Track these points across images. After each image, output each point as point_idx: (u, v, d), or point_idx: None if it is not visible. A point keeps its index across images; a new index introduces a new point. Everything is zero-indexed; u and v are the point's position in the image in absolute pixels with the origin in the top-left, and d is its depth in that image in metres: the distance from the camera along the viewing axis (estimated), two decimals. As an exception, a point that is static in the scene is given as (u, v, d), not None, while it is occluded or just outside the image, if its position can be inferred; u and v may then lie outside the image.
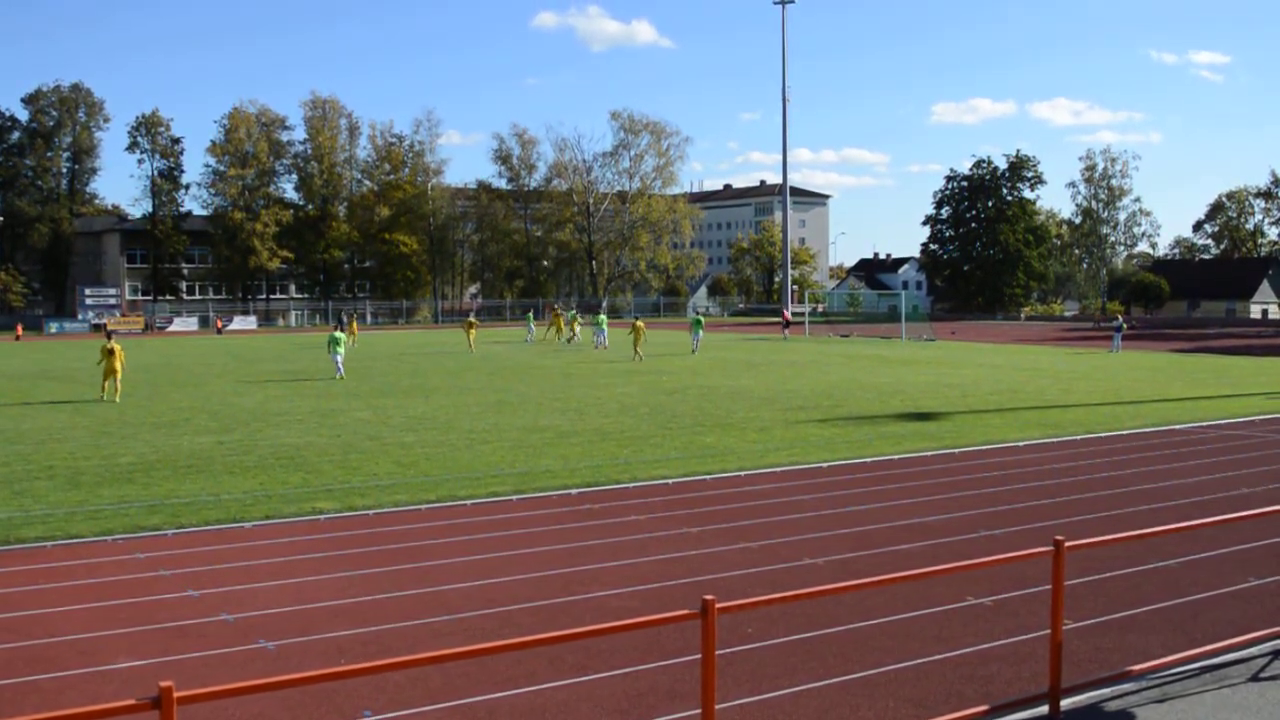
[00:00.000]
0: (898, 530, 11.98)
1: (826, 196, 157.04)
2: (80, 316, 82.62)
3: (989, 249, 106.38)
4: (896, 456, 17.17)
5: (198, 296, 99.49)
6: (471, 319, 54.55)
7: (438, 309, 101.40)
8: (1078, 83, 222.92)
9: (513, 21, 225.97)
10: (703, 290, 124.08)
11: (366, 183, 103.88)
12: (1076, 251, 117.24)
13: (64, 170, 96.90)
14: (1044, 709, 6.73)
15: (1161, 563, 10.41)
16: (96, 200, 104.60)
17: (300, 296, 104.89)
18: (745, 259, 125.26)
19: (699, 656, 5.56)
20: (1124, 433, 20.10)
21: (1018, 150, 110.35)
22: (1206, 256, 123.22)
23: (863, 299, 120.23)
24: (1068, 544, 6.71)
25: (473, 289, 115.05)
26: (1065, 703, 6.79)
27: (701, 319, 49.68)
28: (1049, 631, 6.88)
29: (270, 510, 13.04)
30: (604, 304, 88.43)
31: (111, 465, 16.39)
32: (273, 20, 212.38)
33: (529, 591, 9.58)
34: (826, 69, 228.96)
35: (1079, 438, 19.38)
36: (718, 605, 5.46)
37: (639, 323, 42.55)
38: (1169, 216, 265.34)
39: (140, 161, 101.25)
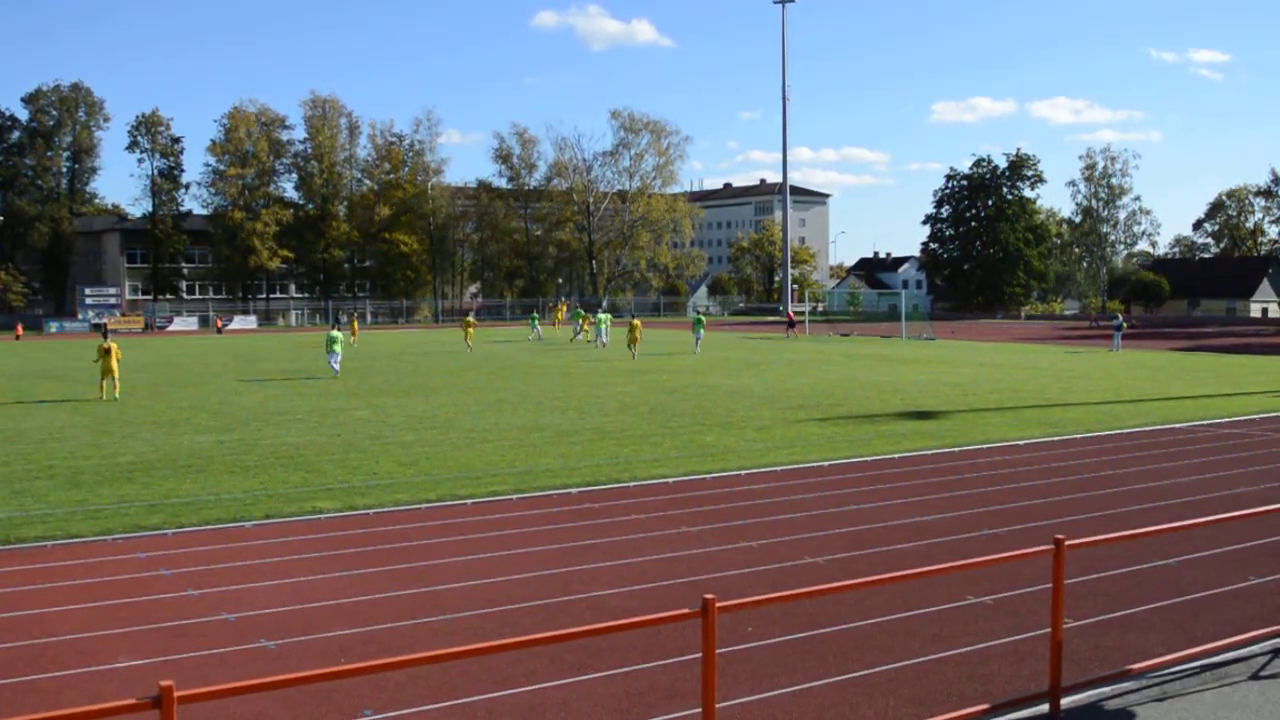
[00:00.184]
0: (897, 529, 11.98)
1: (826, 195, 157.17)
2: (80, 316, 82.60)
3: (989, 248, 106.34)
4: (896, 455, 17.16)
5: (198, 296, 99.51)
6: (469, 318, 54.38)
7: (438, 308, 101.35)
8: (1077, 81, 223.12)
9: (512, 21, 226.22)
10: (703, 289, 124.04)
11: (366, 182, 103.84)
12: (1076, 250, 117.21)
13: (64, 170, 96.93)
14: (1044, 708, 6.73)
15: (1161, 561, 10.41)
16: (96, 200, 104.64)
17: (300, 296, 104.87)
18: (745, 258, 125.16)
19: (699, 656, 5.56)
20: (1124, 431, 20.10)
21: (1018, 149, 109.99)
22: (1206, 255, 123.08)
23: (863, 298, 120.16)
24: (1068, 543, 6.71)
25: (473, 288, 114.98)
26: (1065, 701, 6.78)
27: (703, 318, 49.70)
28: (1049, 630, 6.87)
29: (270, 510, 13.04)
30: (604, 303, 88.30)
31: (111, 465, 16.39)
32: (272, 19, 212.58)
33: (529, 591, 9.57)
34: (826, 68, 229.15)
35: (1079, 436, 19.38)
36: (718, 604, 5.45)
37: (636, 321, 42.78)
38: (1169, 215, 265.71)
39: (140, 161, 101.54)
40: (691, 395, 26.77)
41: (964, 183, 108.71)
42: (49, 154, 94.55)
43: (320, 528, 12.17)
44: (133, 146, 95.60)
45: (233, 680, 6.51)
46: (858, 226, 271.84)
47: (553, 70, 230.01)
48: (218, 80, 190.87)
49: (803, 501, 13.60)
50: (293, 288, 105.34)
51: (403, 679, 7.32)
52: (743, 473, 15.60)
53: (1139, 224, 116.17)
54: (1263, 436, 19.51)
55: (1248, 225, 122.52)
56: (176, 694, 4.19)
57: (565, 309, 58.84)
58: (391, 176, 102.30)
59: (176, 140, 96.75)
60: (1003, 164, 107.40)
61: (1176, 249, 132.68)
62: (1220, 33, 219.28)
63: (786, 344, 53.33)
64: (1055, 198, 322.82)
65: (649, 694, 7.16)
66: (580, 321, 56.26)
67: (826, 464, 16.35)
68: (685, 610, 5.64)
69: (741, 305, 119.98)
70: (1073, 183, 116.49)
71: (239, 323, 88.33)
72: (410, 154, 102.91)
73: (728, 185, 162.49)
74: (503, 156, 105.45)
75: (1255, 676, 7.35)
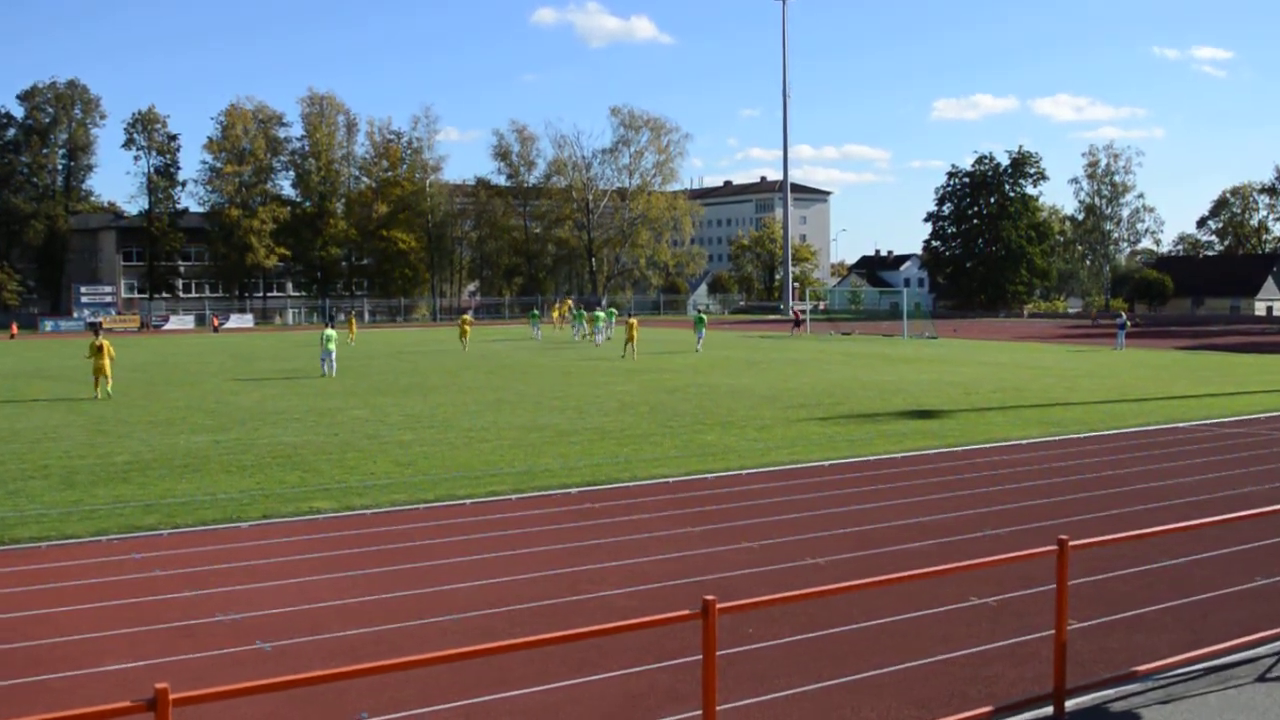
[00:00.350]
0: (900, 529, 11.91)
1: (827, 193, 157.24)
2: (76, 314, 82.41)
3: (991, 246, 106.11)
4: (898, 455, 17.09)
5: (194, 294, 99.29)
6: (466, 316, 53.70)
7: (436, 307, 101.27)
8: (1080, 78, 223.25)
9: (511, 18, 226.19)
10: (703, 288, 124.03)
11: (364, 180, 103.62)
12: (1079, 248, 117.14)
13: (60, 167, 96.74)
14: (1048, 709, 6.66)
15: (1167, 562, 10.34)
16: (92, 197, 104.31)
17: (298, 294, 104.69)
18: (746, 256, 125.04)
19: (700, 657, 5.49)
20: (1128, 431, 20.03)
21: (1020, 146, 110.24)
22: (1210, 253, 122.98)
23: (864, 296, 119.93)
24: (1072, 543, 6.65)
25: (471, 286, 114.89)
26: (1070, 703, 6.72)
27: (704, 317, 49.51)
28: (1053, 631, 6.80)
29: (267, 510, 12.96)
30: (603, 301, 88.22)
31: (107, 464, 16.31)
32: (270, 17, 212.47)
33: (528, 591, 9.50)
34: (827, 65, 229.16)
35: (1082, 436, 19.31)
36: (718, 605, 5.39)
37: (633, 320, 42.82)
38: (1172, 213, 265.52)
39: (136, 158, 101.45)
40: (692, 394, 26.71)
41: (966, 180, 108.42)
42: (45, 151, 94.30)
43: (317, 528, 12.10)
44: (129, 144, 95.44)
45: (230, 682, 6.43)
46: (859, 224, 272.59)
47: (552, 67, 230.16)
48: (215, 78, 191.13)
49: (804, 501, 13.53)
50: (290, 286, 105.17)
51: (401, 680, 7.24)
52: (744, 472, 15.54)
53: (1142, 221, 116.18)
54: (1268, 436, 19.44)
55: (1252, 223, 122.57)
56: (172, 696, 4.14)
57: (568, 307, 58.66)
58: (390, 174, 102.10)
59: (173, 138, 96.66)
60: (1005, 161, 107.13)
61: (1180, 247, 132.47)
62: (1223, 30, 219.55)
63: (787, 343, 53.28)
64: (1058, 195, 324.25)
65: (649, 695, 7.09)
66: (583, 320, 56.13)
67: (828, 464, 16.28)
68: (686, 611, 5.57)
69: (742, 303, 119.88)
70: (1075, 180, 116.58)
71: (236, 321, 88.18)
72: (408, 151, 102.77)
73: (728, 183, 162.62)
74: (501, 154, 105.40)
75: (1262, 678, 7.28)
